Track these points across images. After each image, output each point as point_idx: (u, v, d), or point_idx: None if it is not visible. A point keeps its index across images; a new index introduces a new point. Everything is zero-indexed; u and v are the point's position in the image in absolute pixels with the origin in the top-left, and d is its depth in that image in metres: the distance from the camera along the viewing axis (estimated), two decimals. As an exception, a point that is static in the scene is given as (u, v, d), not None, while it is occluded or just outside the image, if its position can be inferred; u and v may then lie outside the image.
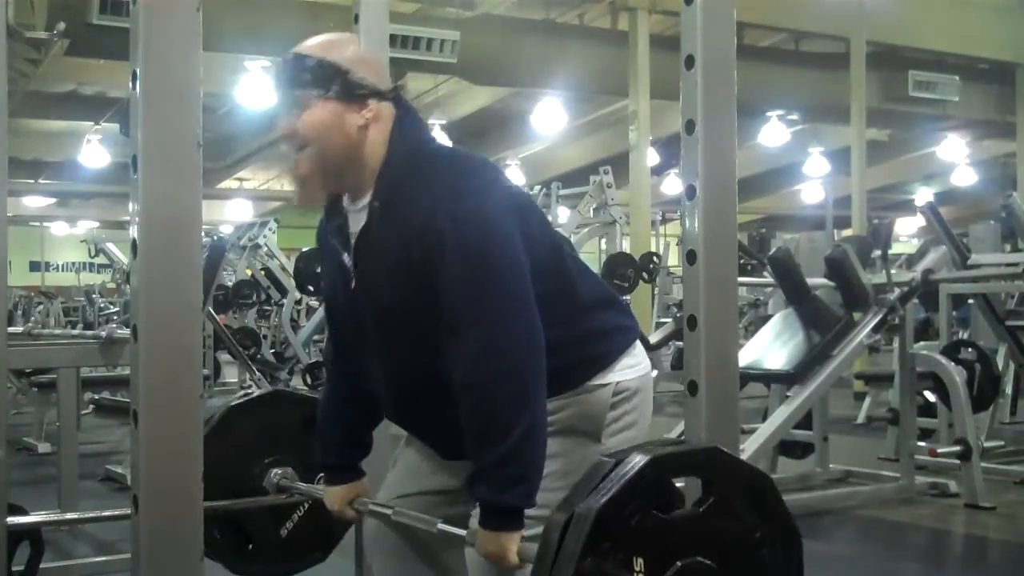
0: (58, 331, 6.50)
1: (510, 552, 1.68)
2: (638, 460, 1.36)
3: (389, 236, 1.79)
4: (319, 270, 8.52)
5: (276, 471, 2.42)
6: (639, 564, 1.31)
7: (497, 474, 1.68)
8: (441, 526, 1.85)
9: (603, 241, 9.96)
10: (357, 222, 1.86)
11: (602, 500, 1.31)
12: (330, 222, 1.94)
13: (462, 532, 1.78)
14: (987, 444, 5.73)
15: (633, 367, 1.91)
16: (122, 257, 12.12)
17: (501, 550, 1.68)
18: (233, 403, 2.60)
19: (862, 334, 5.04)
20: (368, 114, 1.82)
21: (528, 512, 1.70)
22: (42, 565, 3.15)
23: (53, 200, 21.74)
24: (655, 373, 9.70)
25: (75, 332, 6.13)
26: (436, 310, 1.74)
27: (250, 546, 2.54)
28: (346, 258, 1.88)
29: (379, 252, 1.81)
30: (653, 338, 6.16)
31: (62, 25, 7.80)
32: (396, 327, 1.83)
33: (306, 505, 2.54)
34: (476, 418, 1.71)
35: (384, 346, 1.88)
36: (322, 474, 2.20)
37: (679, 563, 1.34)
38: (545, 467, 1.72)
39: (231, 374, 10.92)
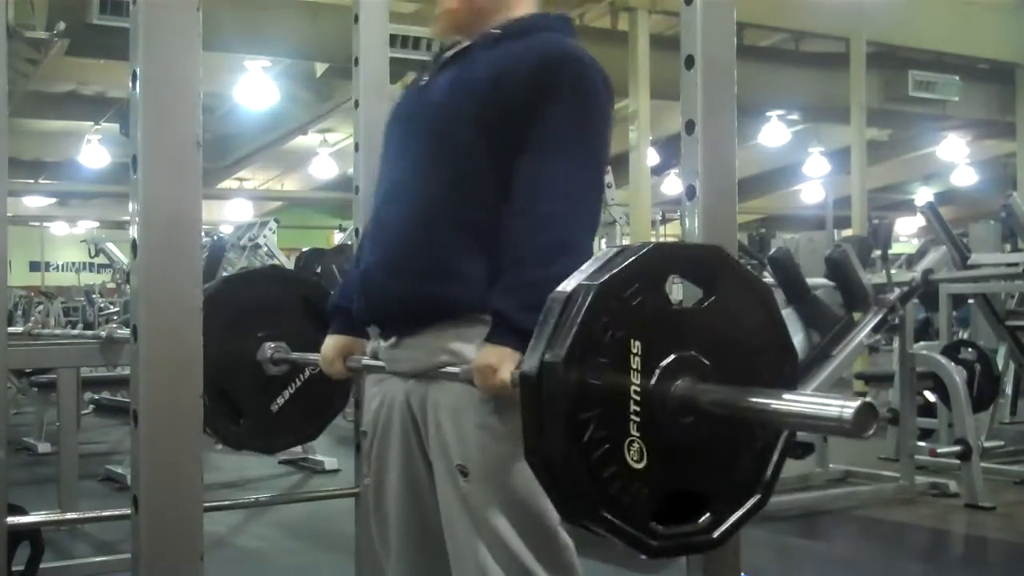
0: (58, 331, 6.51)
1: (505, 366, 1.69)
2: (644, 247, 1.39)
3: (483, 63, 1.87)
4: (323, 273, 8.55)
5: (270, 344, 2.44)
6: (636, 347, 1.33)
7: (521, 294, 1.71)
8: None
9: (603, 241, 9.95)
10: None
11: (605, 276, 1.34)
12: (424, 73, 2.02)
13: (457, 369, 1.78)
14: (987, 444, 5.74)
15: None
16: (122, 257, 12.10)
17: (498, 362, 1.70)
18: (230, 275, 2.61)
19: (862, 334, 5.04)
20: None
21: None
22: (42, 565, 3.16)
23: (53, 200, 21.73)
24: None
25: (75, 332, 6.13)
26: (487, 138, 1.81)
27: (241, 420, 2.55)
28: (425, 77, 1.98)
29: (470, 69, 1.88)
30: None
31: (62, 25, 7.80)
32: (434, 149, 1.89)
33: (298, 382, 2.55)
34: (522, 242, 1.76)
35: (411, 168, 1.92)
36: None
37: (675, 355, 1.35)
38: None
39: (231, 374, 10.90)
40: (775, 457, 1.48)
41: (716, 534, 1.40)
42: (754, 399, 1.30)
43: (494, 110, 1.81)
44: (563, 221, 1.75)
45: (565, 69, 1.81)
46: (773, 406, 1.28)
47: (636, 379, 1.32)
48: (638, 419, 1.32)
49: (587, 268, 1.37)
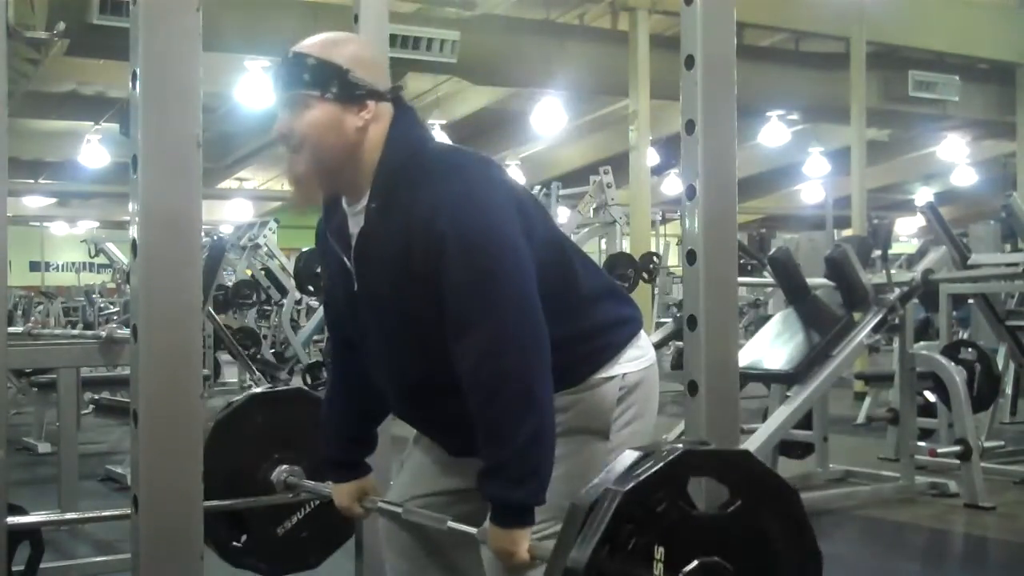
0: (58, 331, 6.50)
1: (521, 548, 1.69)
2: (671, 452, 1.37)
3: (388, 238, 1.78)
4: (319, 270, 8.55)
5: (283, 468, 2.40)
6: (659, 553, 1.32)
7: (506, 472, 1.68)
8: (451, 524, 1.85)
9: (603, 241, 9.95)
10: (356, 224, 1.85)
11: (631, 483, 1.33)
12: (329, 223, 1.92)
13: (472, 530, 1.79)
14: (987, 444, 5.73)
15: (638, 359, 1.90)
16: (122, 257, 12.11)
17: (512, 546, 1.70)
18: (251, 394, 2.60)
19: (862, 334, 5.04)
20: (366, 115, 1.80)
21: (538, 516, 1.71)
22: (42, 565, 3.15)
23: (53, 200, 21.74)
24: (655, 373, 9.83)
25: (75, 332, 6.13)
26: (438, 310, 1.73)
27: (243, 538, 2.51)
28: (347, 261, 1.88)
29: (379, 254, 1.81)
30: (653, 338, 6.16)
31: (62, 25, 7.76)
32: (399, 328, 1.83)
33: (307, 509, 2.53)
34: (483, 418, 1.71)
35: (388, 346, 1.87)
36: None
37: (698, 560, 1.35)
38: (553, 470, 1.72)
39: (231, 374, 10.92)
40: None
41: None
42: None
43: (431, 292, 1.74)
44: (507, 388, 1.68)
45: (446, 245, 1.70)
46: None
47: None
48: None
49: (614, 471, 1.37)
